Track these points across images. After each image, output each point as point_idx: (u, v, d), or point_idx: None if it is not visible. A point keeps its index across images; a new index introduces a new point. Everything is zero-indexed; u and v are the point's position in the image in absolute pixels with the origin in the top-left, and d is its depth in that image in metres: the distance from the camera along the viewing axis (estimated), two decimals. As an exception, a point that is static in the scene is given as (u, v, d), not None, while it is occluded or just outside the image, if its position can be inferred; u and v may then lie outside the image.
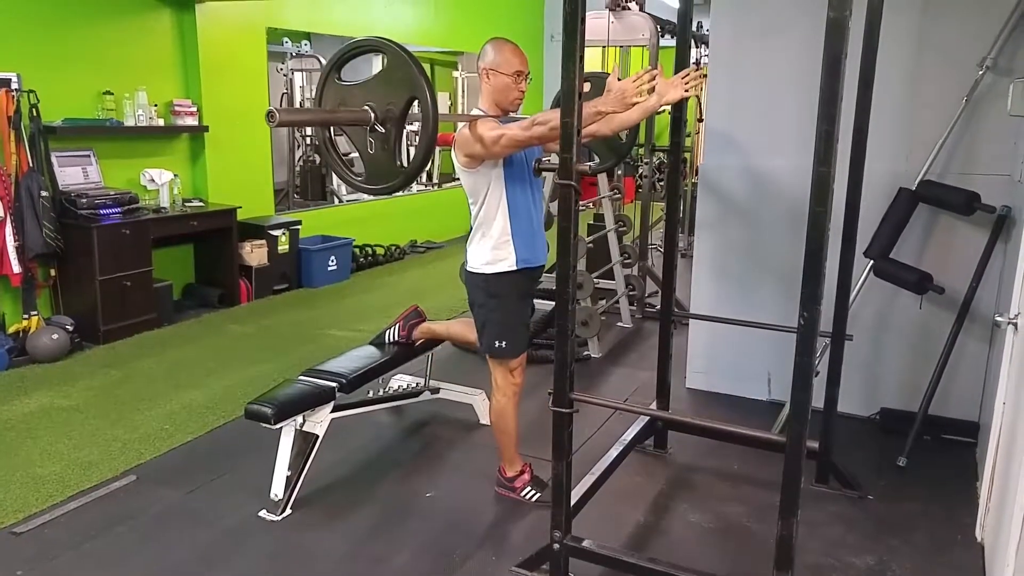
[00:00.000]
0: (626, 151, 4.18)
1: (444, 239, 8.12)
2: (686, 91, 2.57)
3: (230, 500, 2.88)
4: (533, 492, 2.87)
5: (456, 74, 10.90)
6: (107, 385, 4.02)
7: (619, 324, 4.97)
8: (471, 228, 2.72)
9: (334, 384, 2.87)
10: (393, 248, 7.14)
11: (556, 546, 2.33)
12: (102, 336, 4.63)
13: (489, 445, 3.33)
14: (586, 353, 4.46)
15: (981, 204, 3.02)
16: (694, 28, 6.27)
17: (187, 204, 5.27)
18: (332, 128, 2.45)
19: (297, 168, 8.49)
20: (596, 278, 4.51)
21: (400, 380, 3.62)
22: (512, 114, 2.64)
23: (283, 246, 5.72)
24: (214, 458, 3.23)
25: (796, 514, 2.03)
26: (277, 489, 2.77)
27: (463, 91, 10.86)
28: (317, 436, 2.83)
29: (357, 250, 6.61)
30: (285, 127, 2.24)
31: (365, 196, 8.31)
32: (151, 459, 3.21)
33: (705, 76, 2.48)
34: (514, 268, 2.65)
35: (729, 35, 3.62)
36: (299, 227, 5.89)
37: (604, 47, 4.89)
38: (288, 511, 2.76)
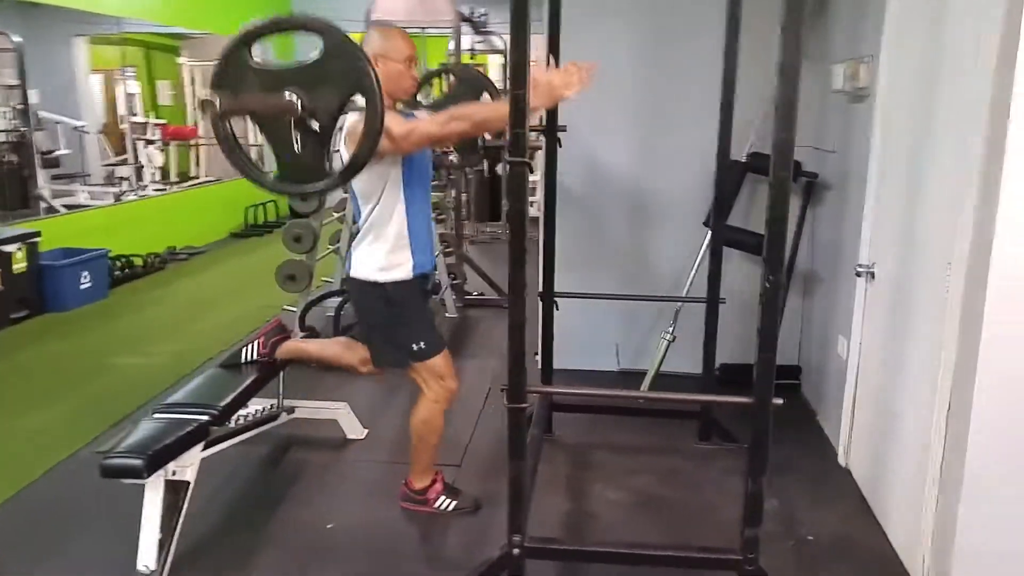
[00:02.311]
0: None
1: (204, 243, 7.27)
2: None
3: (78, 587, 2.26)
4: (449, 501, 2.66)
5: (181, 61, 9.77)
6: None
7: (446, 315, 4.82)
8: (358, 230, 2.43)
9: (206, 418, 2.38)
10: (152, 257, 6.19)
11: (516, 551, 2.17)
12: None
13: (369, 460, 3.06)
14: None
15: (803, 172, 3.38)
16: (467, 14, 6.26)
17: None
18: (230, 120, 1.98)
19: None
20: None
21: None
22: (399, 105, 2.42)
23: (19, 264, 4.66)
24: (23, 540, 2.52)
25: (765, 472, 2.09)
26: (147, 559, 2.22)
27: (191, 81, 9.77)
28: (188, 483, 2.32)
29: (110, 262, 5.62)
30: (227, 118, 1.74)
31: (95, 202, 7.15)
32: (-74, 556, 2.41)
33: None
34: (410, 276, 2.42)
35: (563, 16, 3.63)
36: (38, 240, 4.84)
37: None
38: (168, 581, 2.24)
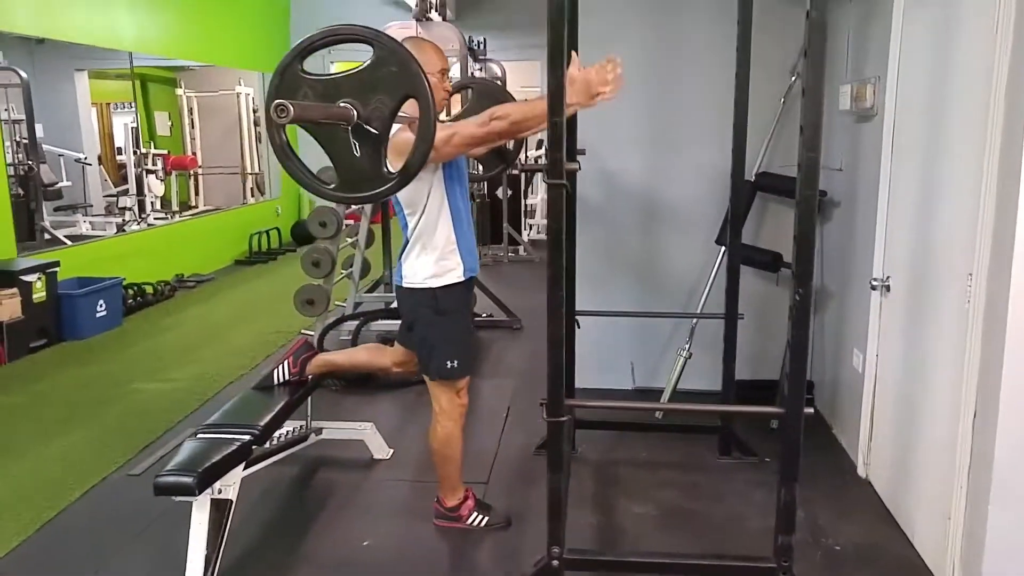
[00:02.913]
0: (513, 158, 4.09)
1: (211, 270, 7.34)
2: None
3: (122, 606, 2.30)
4: (481, 517, 2.70)
5: (180, 92, 9.89)
6: None
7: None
8: (406, 241, 2.48)
9: (247, 437, 2.43)
10: (162, 285, 6.24)
11: (555, 562, 2.22)
12: None
13: (397, 480, 3.10)
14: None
15: (814, 190, 3.48)
16: (471, 45, 6.41)
17: None
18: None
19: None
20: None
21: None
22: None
23: (39, 293, 4.70)
24: (69, 559, 2.56)
25: (797, 479, 2.15)
26: (195, 574, 2.27)
27: (189, 112, 9.88)
28: (231, 502, 2.37)
29: (123, 291, 5.66)
30: (296, 124, 1.87)
31: (97, 232, 7.22)
32: (-33, 580, 2.45)
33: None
34: (462, 279, 2.48)
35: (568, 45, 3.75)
36: (57, 269, 4.89)
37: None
38: (213, 598, 2.28)
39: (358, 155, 1.87)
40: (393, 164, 2.22)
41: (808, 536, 2.63)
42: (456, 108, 4.24)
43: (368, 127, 1.85)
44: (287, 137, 1.90)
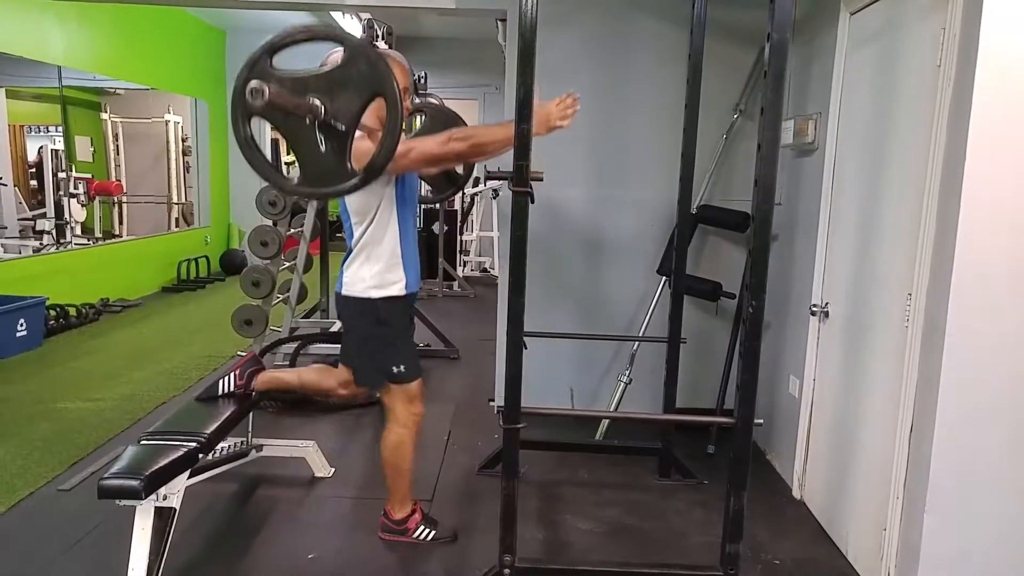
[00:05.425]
0: (464, 182, 4.13)
1: (137, 296, 7.09)
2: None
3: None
4: (428, 531, 2.68)
5: (105, 116, 9.60)
6: None
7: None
8: (349, 250, 2.48)
9: (194, 444, 2.35)
10: (86, 308, 5.98)
11: (507, 571, 2.23)
12: None
13: (340, 496, 3.05)
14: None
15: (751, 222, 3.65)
16: (412, 77, 6.50)
17: None
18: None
19: None
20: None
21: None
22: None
23: (-47, 308, 4.45)
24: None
25: (746, 487, 2.23)
26: (135, 585, 2.16)
27: (113, 138, 9.56)
28: (174, 510, 2.28)
29: (45, 311, 5.40)
30: (262, 116, 1.86)
31: (8, 255, 6.87)
32: None
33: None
34: (403, 293, 2.49)
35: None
36: (-26, 284, 4.65)
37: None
38: (155, 609, 2.18)
39: (323, 151, 1.89)
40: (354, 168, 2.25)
41: (748, 551, 2.71)
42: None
43: (334, 124, 1.88)
44: (251, 131, 1.91)
